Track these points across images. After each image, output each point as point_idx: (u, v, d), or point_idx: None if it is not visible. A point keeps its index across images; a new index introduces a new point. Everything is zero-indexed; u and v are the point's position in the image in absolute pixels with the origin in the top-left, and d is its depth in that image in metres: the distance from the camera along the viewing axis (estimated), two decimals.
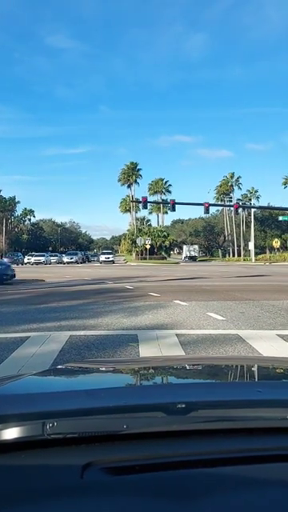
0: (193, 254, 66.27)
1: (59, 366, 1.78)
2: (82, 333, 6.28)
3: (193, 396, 0.95)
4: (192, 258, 64.59)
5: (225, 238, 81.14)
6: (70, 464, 0.74)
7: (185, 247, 70.00)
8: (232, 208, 47.38)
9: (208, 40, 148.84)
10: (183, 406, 0.84)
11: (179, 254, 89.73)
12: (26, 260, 54.95)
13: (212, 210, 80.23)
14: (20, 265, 50.19)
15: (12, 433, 0.76)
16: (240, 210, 67.71)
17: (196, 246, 71.10)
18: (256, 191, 77.65)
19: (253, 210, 64.89)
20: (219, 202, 74.26)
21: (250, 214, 68.75)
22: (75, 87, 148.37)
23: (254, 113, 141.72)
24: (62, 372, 1.46)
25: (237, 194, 79.22)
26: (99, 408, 0.86)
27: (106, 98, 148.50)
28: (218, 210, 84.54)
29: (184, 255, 68.24)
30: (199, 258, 71.11)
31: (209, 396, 0.96)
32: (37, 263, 51.84)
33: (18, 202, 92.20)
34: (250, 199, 76.89)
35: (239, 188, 79.88)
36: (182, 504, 0.65)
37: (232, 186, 78.61)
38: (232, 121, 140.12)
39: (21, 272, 28.51)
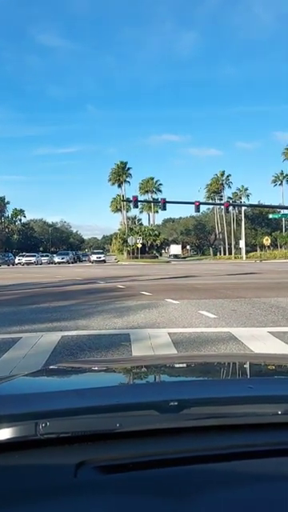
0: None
1: (51, 366, 1.78)
2: (74, 333, 6.26)
3: (185, 393, 0.96)
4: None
5: (216, 236, 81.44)
6: (64, 463, 0.74)
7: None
8: (223, 206, 47.56)
9: (199, 38, 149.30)
10: (176, 403, 0.85)
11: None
12: (16, 260, 54.56)
13: (203, 208, 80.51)
14: (11, 265, 49.86)
15: (5, 433, 0.76)
16: (230, 208, 68.15)
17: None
18: (246, 189, 78.19)
19: (243, 208, 65.21)
20: (210, 201, 74.50)
21: (240, 212, 69.11)
22: (67, 86, 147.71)
23: (244, 111, 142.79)
24: (54, 372, 1.46)
25: (227, 193, 79.67)
26: (92, 407, 0.86)
27: (97, 97, 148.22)
28: (208, 209, 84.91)
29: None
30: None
31: (201, 393, 0.97)
32: (28, 264, 51.50)
33: (8, 202, 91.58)
34: (241, 197, 77.35)
35: (229, 186, 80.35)
36: (176, 501, 0.65)
37: (222, 184, 78.97)
38: (221, 120, 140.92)
39: (13, 273, 28.36)
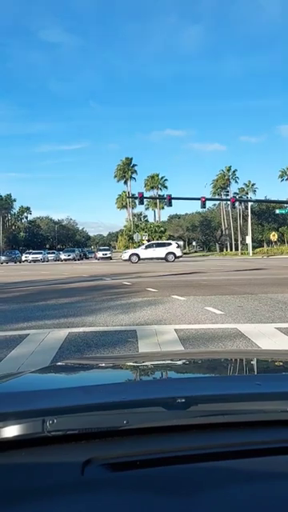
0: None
1: (58, 363, 1.78)
2: (80, 329, 6.28)
3: (192, 390, 0.95)
4: None
5: (222, 232, 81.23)
6: (71, 461, 0.73)
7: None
8: (229, 202, 47.38)
9: (203, 32, 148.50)
10: (183, 400, 0.84)
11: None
12: (23, 258, 54.84)
13: (209, 204, 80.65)
14: (18, 263, 50.12)
15: (12, 430, 0.76)
16: (237, 203, 68.03)
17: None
18: (253, 185, 77.79)
19: (250, 203, 64.91)
20: (216, 196, 74.29)
21: (247, 208, 68.79)
22: (70, 82, 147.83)
23: (247, 105, 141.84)
24: (61, 369, 1.46)
25: (234, 188, 79.39)
26: (99, 404, 0.85)
27: (100, 92, 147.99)
28: (214, 205, 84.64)
29: None
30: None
31: (208, 390, 0.96)
32: (34, 261, 51.76)
33: (14, 199, 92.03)
34: (247, 193, 76.97)
35: (236, 182, 79.99)
36: (184, 498, 0.65)
37: (229, 179, 78.62)
38: (224, 114, 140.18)
39: (20, 270, 28.50)
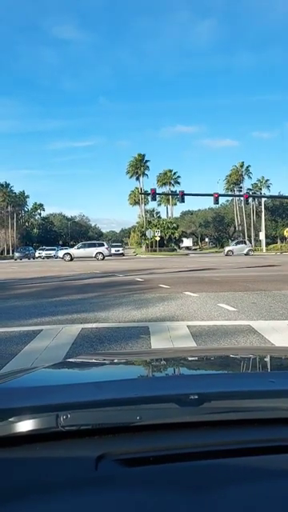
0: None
1: (71, 359, 1.79)
2: (93, 325, 6.32)
3: (205, 387, 0.95)
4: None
5: (235, 228, 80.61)
6: (84, 456, 0.74)
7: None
8: (242, 198, 47.06)
9: (216, 26, 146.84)
10: (196, 397, 0.84)
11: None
12: (37, 254, 55.32)
13: (222, 200, 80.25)
14: (31, 259, 50.57)
15: (26, 425, 0.77)
16: (250, 199, 67.31)
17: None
18: (266, 180, 76.81)
19: (263, 199, 64.25)
20: (229, 192, 73.62)
21: (260, 204, 68.12)
22: (82, 79, 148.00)
23: (260, 100, 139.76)
24: (74, 364, 1.47)
25: (247, 184, 78.45)
26: (112, 400, 0.86)
27: (111, 89, 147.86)
28: (227, 201, 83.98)
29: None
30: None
31: (221, 387, 0.96)
32: (48, 257, 52.16)
33: (28, 196, 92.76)
34: (261, 188, 76.05)
35: (249, 177, 79.16)
36: (197, 495, 0.65)
37: (242, 175, 77.85)
38: (236, 109, 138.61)
39: (33, 266, 28.78)
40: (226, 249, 49.56)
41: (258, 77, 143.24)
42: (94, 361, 1.54)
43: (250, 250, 48.44)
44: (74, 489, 0.67)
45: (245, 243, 51.30)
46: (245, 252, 46.61)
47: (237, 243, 51.76)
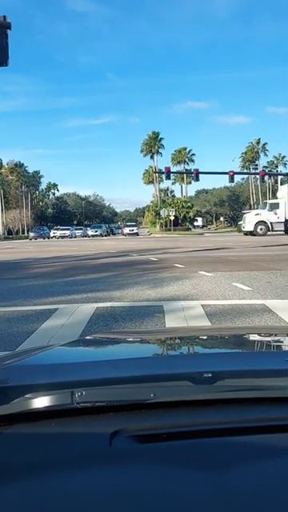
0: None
1: (87, 337, 1.82)
2: (108, 304, 6.38)
3: (219, 365, 0.95)
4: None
5: (251, 207, 79.47)
6: (99, 432, 0.75)
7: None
8: (258, 176, 46.15)
9: None
10: (210, 375, 0.84)
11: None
12: (51, 234, 55.76)
13: (237, 178, 78.86)
14: (46, 239, 51.02)
15: (42, 401, 0.78)
16: (266, 177, 65.91)
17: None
18: (283, 157, 75.19)
19: (280, 177, 62.93)
20: (244, 170, 72.34)
21: (276, 182, 66.79)
22: (96, 54, 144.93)
23: (274, 73, 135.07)
24: (90, 342, 1.49)
25: (263, 161, 76.91)
26: (127, 377, 0.87)
27: (129, 64, 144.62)
28: (243, 179, 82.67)
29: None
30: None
31: (235, 365, 0.96)
32: (62, 237, 52.55)
33: (42, 176, 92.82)
34: (277, 166, 74.56)
35: (265, 155, 77.50)
36: (211, 472, 0.65)
37: (258, 152, 76.25)
38: (249, 83, 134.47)
39: (48, 246, 29.06)
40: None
41: (275, 47, 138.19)
42: (108, 339, 1.55)
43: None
44: (89, 463, 0.68)
45: None
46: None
47: None
